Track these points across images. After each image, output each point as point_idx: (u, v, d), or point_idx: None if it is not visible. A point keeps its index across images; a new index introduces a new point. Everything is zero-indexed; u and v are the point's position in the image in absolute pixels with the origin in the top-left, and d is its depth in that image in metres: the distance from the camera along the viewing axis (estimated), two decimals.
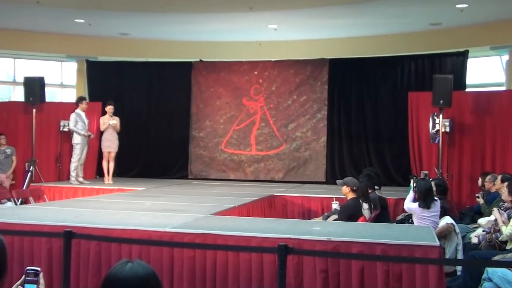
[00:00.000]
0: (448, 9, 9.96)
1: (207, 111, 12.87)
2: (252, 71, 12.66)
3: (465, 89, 11.07)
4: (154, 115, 13.04)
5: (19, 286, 2.09)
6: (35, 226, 5.06)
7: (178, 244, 4.64)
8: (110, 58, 13.25)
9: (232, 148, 12.68)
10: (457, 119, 10.29)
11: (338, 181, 6.95)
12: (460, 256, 6.18)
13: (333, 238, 4.38)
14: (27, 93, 11.04)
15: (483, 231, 6.32)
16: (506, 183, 6.60)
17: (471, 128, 10.29)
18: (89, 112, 10.88)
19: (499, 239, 5.80)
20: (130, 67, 13.15)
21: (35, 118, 10.98)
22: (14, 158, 10.54)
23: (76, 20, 11.27)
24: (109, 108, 10.90)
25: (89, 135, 10.66)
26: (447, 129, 10.05)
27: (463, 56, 11.13)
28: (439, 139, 9.95)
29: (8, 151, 10.45)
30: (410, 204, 6.51)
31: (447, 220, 6.37)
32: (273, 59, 12.56)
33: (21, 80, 11.58)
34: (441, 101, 9.68)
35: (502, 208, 6.37)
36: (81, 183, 10.33)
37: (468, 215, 8.49)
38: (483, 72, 12.25)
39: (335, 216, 6.66)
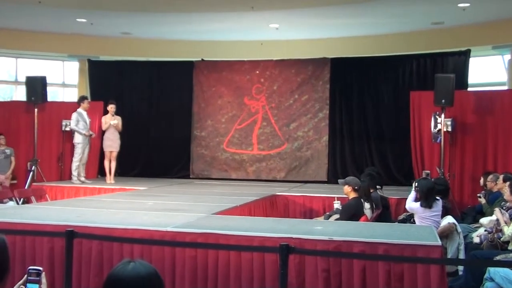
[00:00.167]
0: (450, 8, 9.95)
1: (209, 111, 12.87)
2: (253, 70, 12.66)
3: (467, 88, 11.05)
4: (156, 114, 13.05)
5: (21, 286, 2.09)
6: (37, 225, 5.07)
7: (180, 243, 4.64)
8: (112, 57, 13.26)
9: (233, 147, 12.68)
10: (459, 119, 10.28)
11: (339, 181, 6.94)
12: (462, 255, 6.18)
13: (335, 238, 4.38)
14: (29, 93, 11.04)
15: (485, 230, 6.31)
16: (508, 183, 6.59)
17: (473, 128, 10.28)
18: (90, 111, 10.89)
19: (501, 239, 5.79)
20: (132, 67, 13.16)
21: (37, 118, 10.98)
22: (13, 158, 10.48)
23: (78, 20, 11.28)
24: (111, 108, 10.90)
25: (91, 135, 10.66)
26: (449, 129, 10.04)
27: (465, 55, 11.11)
28: (441, 139, 9.94)
29: (8, 151, 10.43)
30: (412, 204, 6.50)
31: (449, 219, 6.36)
32: (274, 59, 12.56)
33: (23, 79, 11.58)
34: (443, 101, 9.67)
35: (504, 207, 6.37)
36: (82, 182, 10.33)
37: (470, 214, 8.48)
38: (485, 71, 12.23)
39: (337, 216, 6.66)
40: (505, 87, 11.41)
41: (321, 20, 11.09)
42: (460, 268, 5.91)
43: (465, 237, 6.57)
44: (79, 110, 10.54)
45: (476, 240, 6.36)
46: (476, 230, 6.85)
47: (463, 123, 10.31)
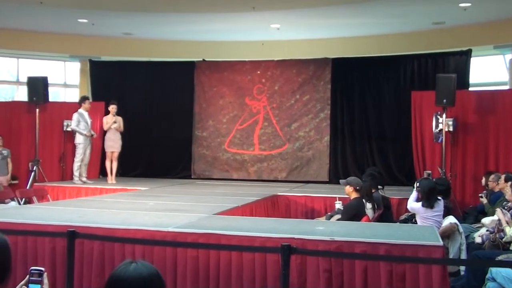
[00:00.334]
0: (451, 8, 9.94)
1: (210, 111, 12.88)
2: (255, 70, 12.66)
3: (468, 88, 11.04)
4: (157, 114, 13.05)
5: (24, 286, 2.09)
6: (39, 226, 5.07)
7: (181, 244, 4.65)
8: (113, 58, 13.27)
9: (235, 147, 12.68)
10: (460, 118, 10.27)
11: (341, 181, 6.94)
12: (463, 256, 6.17)
13: (337, 238, 4.38)
14: (30, 93, 11.06)
15: (487, 230, 6.31)
16: (509, 183, 6.59)
17: (474, 127, 10.27)
18: (92, 111, 10.90)
19: (503, 239, 5.78)
20: (133, 67, 13.17)
21: (38, 118, 10.99)
22: (9, 160, 10.45)
23: (79, 20, 11.29)
24: (112, 108, 10.91)
25: (92, 135, 10.67)
26: (451, 129, 10.03)
27: (466, 55, 11.10)
28: (442, 139, 9.94)
29: (4, 152, 10.39)
30: (413, 204, 6.49)
31: (451, 219, 6.35)
32: (275, 59, 12.56)
33: (25, 80, 11.62)
34: (445, 100, 9.67)
35: (505, 207, 6.36)
36: (84, 182, 10.34)
37: (471, 214, 8.48)
38: (487, 71, 12.22)
39: (338, 216, 6.65)
40: (506, 87, 11.39)
41: (322, 20, 11.09)
42: (462, 268, 5.90)
43: (467, 237, 6.56)
44: (80, 110, 10.55)
45: (478, 240, 6.35)
46: (478, 230, 6.85)
47: (465, 123, 10.30)
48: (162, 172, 12.64)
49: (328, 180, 11.96)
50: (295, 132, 12.40)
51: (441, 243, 4.32)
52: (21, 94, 12.97)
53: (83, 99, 10.83)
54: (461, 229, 6.34)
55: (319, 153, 12.23)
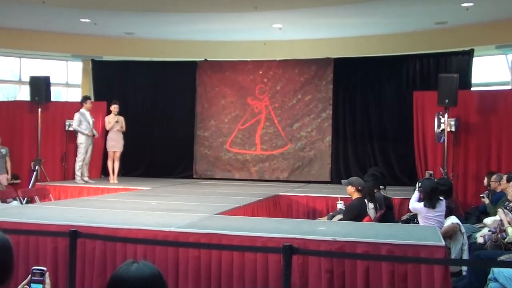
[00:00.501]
0: (454, 8, 9.93)
1: (212, 111, 12.88)
2: (257, 70, 12.66)
3: (470, 88, 11.04)
4: (159, 114, 13.06)
5: (25, 286, 2.09)
6: (41, 225, 5.08)
7: (183, 244, 4.65)
8: (115, 57, 13.28)
9: (237, 147, 12.69)
10: (462, 118, 10.26)
11: (343, 181, 6.93)
12: (465, 256, 6.16)
13: (338, 238, 4.38)
14: (32, 93, 11.07)
15: (489, 231, 6.30)
16: (511, 183, 6.57)
17: (476, 128, 10.26)
18: (94, 111, 10.91)
19: (505, 240, 5.77)
20: (135, 67, 13.18)
21: (40, 117, 11.00)
22: (8, 158, 10.42)
23: (82, 20, 11.30)
24: (114, 108, 10.93)
25: (93, 135, 10.67)
26: (453, 129, 10.02)
27: (468, 55, 11.09)
28: (444, 139, 9.92)
29: (3, 151, 10.37)
30: (415, 204, 6.49)
31: (453, 220, 6.35)
32: (277, 59, 12.56)
33: (27, 79, 11.62)
34: (447, 100, 9.66)
35: (507, 208, 6.35)
36: (86, 182, 10.35)
37: (473, 214, 8.47)
38: (489, 71, 12.19)
39: (340, 216, 6.65)
40: (508, 87, 11.38)
41: (324, 20, 11.09)
42: (464, 268, 5.90)
43: (468, 237, 6.55)
44: (82, 110, 10.56)
45: (480, 240, 6.35)
46: (480, 230, 6.84)
47: (467, 123, 10.29)
48: (164, 172, 12.65)
49: (330, 180, 11.96)
50: (297, 132, 12.39)
51: (443, 243, 4.32)
52: (23, 94, 12.98)
53: (85, 98, 10.84)
54: (463, 229, 6.34)
55: (321, 153, 12.22)
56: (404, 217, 7.76)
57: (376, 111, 11.97)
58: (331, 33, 12.05)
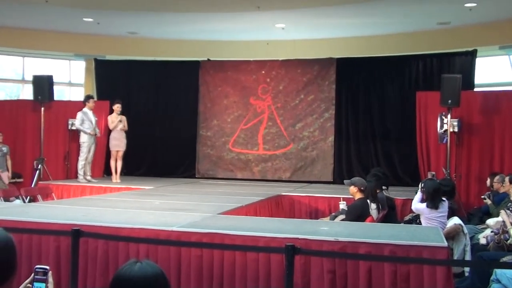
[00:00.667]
0: (457, 8, 9.91)
1: (215, 110, 12.89)
2: (259, 70, 12.66)
3: (473, 88, 11.01)
4: (162, 114, 13.07)
5: (28, 285, 2.09)
6: (43, 224, 5.09)
7: (185, 243, 4.65)
8: (118, 57, 13.29)
9: (239, 147, 12.69)
10: (465, 119, 10.25)
11: (345, 181, 6.93)
12: (468, 257, 6.15)
13: (341, 239, 4.37)
14: (35, 92, 11.10)
15: (492, 232, 6.29)
16: None
17: (479, 128, 10.24)
18: (97, 110, 10.93)
19: (508, 241, 5.76)
20: (138, 66, 13.19)
21: (43, 117, 11.03)
22: (8, 157, 10.43)
23: (85, 19, 11.31)
24: (117, 107, 10.94)
25: (96, 134, 10.68)
26: (456, 129, 10.01)
27: (471, 55, 11.07)
28: (447, 139, 9.91)
29: (4, 149, 10.40)
30: (418, 205, 6.48)
31: (455, 220, 6.34)
32: (280, 59, 12.55)
33: (30, 78, 11.65)
34: (450, 101, 9.64)
35: (510, 209, 6.34)
36: (89, 181, 10.37)
37: (476, 215, 8.45)
38: (492, 71, 12.17)
39: (343, 216, 6.64)
40: (511, 87, 11.35)
41: (327, 20, 11.08)
42: (467, 269, 5.89)
43: (471, 238, 6.55)
44: (85, 109, 10.57)
45: (483, 241, 6.34)
46: (483, 231, 6.83)
47: (470, 124, 10.28)
48: (167, 171, 12.66)
49: (332, 180, 11.95)
50: (299, 132, 12.39)
51: (445, 244, 4.31)
52: (27, 93, 13.01)
53: (88, 98, 10.86)
54: (465, 230, 6.33)
55: (323, 153, 12.22)
56: (407, 218, 7.74)
57: (379, 111, 11.96)
58: (334, 33, 12.04)
